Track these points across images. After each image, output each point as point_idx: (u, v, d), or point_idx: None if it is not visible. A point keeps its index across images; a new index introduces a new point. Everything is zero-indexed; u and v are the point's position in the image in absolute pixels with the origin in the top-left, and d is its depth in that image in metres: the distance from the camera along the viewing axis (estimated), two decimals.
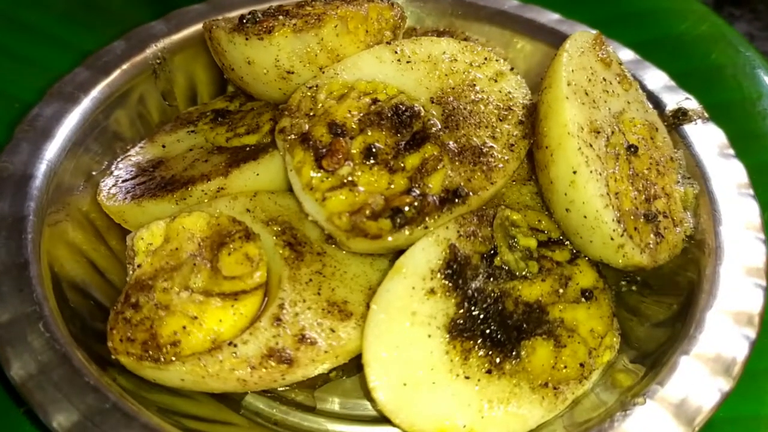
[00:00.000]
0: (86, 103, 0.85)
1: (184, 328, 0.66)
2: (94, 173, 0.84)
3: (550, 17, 1.01)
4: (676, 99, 0.89)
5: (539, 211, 0.76)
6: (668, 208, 0.75)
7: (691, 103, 0.87)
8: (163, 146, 0.87)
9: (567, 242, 0.74)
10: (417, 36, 0.98)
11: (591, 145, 0.69)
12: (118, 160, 0.86)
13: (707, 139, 0.84)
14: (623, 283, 0.78)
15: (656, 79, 0.92)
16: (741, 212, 0.76)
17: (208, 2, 1.00)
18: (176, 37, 0.96)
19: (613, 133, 0.74)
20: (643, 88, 0.88)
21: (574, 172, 0.68)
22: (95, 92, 0.87)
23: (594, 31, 0.92)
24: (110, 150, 0.87)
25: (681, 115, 0.85)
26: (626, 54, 0.95)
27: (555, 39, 0.98)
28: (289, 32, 0.76)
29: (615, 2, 1.22)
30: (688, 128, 0.85)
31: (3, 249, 0.70)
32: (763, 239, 0.74)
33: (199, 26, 0.96)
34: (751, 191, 0.79)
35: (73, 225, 0.79)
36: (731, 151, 0.82)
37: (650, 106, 0.83)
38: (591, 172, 0.68)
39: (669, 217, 0.75)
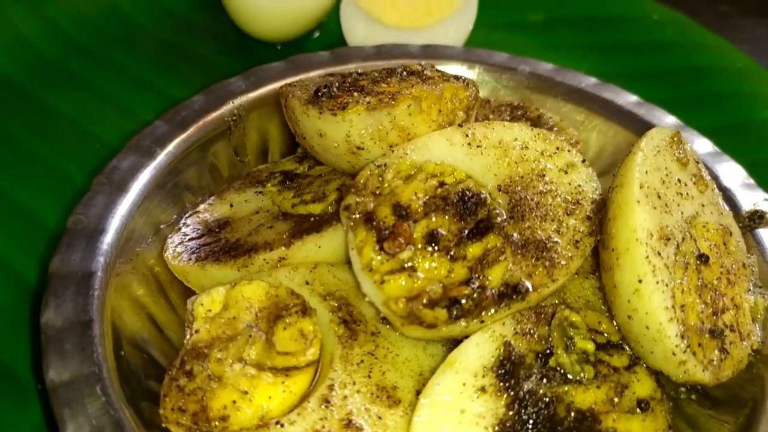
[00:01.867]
0: (161, 157, 0.88)
1: (234, 402, 0.67)
2: (162, 226, 0.86)
3: (628, 99, 0.99)
4: (753, 198, 0.86)
5: (600, 311, 0.75)
6: (736, 320, 0.73)
7: None
8: (231, 205, 0.88)
9: (626, 347, 0.72)
10: (490, 108, 0.98)
11: (659, 253, 0.68)
12: (187, 215, 0.88)
13: None
14: (682, 389, 0.76)
15: (734, 174, 0.89)
16: None
17: (287, 61, 1.02)
18: (253, 94, 0.98)
19: (684, 239, 0.72)
20: (720, 184, 0.85)
21: (640, 281, 0.66)
22: (171, 147, 0.89)
23: (673, 125, 0.91)
24: (180, 203, 0.89)
25: (757, 218, 0.82)
26: (704, 144, 0.93)
27: (631, 122, 0.97)
28: (362, 110, 0.77)
29: (696, 81, 1.20)
30: (764, 232, 0.82)
31: (70, 305, 0.72)
32: None
33: (276, 85, 0.98)
34: None
35: (138, 278, 0.81)
36: None
37: (725, 207, 0.81)
38: (657, 282, 0.66)
39: (736, 331, 0.72)
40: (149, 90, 1.19)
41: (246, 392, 0.68)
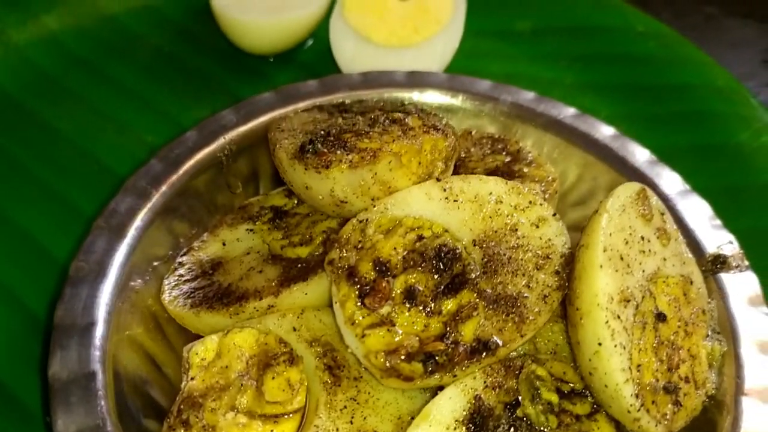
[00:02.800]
0: (157, 198, 0.92)
1: None
2: (156, 263, 0.91)
3: (605, 132, 1.02)
4: (718, 239, 0.90)
5: (565, 360, 0.80)
6: (691, 371, 0.78)
7: (732, 248, 0.89)
8: (224, 244, 0.93)
9: (589, 395, 0.78)
10: (472, 140, 1.02)
11: (619, 316, 0.73)
12: (181, 253, 0.93)
13: (741, 290, 0.86)
14: None
15: (700, 214, 0.93)
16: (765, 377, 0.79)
17: (277, 92, 1.05)
18: (243, 128, 1.01)
19: (643, 298, 0.77)
20: (685, 228, 0.90)
21: (599, 344, 0.72)
22: (166, 186, 0.94)
23: (645, 161, 0.95)
24: (175, 238, 0.94)
25: (720, 263, 0.87)
26: (673, 182, 0.97)
27: (607, 155, 1.01)
28: (345, 168, 0.81)
29: (676, 98, 1.22)
30: (726, 276, 0.87)
31: (74, 357, 0.78)
32: None
33: (266, 117, 1.02)
34: None
35: (136, 317, 0.87)
36: (764, 308, 0.84)
37: (688, 254, 0.85)
38: (615, 345, 0.71)
39: (691, 381, 0.78)
40: (146, 105, 1.23)
41: None
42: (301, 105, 1.04)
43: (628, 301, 0.75)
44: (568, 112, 1.05)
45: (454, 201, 0.82)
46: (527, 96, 1.07)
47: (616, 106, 1.09)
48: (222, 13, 1.25)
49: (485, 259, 0.80)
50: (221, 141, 0.99)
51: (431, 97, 1.08)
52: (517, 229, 0.82)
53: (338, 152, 0.82)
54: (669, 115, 1.18)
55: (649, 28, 1.32)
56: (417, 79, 1.09)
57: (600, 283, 0.73)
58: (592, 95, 1.22)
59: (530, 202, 0.83)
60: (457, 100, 1.08)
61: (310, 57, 1.33)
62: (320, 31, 1.34)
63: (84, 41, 1.31)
